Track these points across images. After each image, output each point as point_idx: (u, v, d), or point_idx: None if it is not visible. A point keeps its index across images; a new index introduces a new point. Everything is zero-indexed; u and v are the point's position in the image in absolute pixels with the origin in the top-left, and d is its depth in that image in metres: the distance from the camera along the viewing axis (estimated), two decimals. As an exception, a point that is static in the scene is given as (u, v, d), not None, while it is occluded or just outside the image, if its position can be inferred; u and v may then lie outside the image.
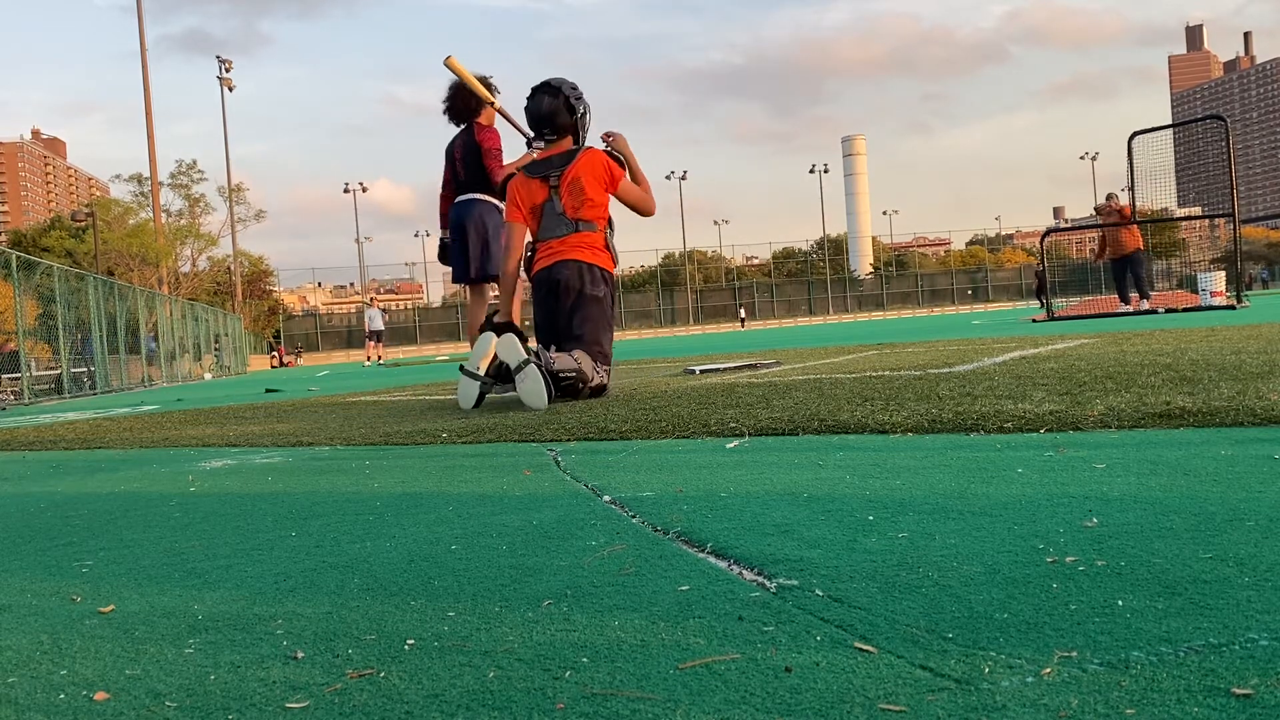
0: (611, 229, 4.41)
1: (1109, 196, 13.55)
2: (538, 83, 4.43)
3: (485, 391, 4.14)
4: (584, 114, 4.42)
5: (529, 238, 4.45)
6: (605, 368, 4.22)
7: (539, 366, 3.81)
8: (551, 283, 4.25)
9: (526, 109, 4.42)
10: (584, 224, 4.29)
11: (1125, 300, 13.52)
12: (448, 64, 5.28)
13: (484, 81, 5.37)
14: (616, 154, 4.44)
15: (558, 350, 4.04)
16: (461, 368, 4.18)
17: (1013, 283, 65.69)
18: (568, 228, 4.29)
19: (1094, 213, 13.47)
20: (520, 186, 4.40)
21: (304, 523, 1.78)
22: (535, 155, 4.93)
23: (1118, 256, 13.35)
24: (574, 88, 4.40)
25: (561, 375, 3.94)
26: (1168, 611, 0.94)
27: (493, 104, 5.33)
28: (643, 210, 4.50)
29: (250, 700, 0.90)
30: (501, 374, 4.11)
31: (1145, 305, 13.05)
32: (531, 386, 3.79)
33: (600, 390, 4.14)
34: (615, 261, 4.38)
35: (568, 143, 4.42)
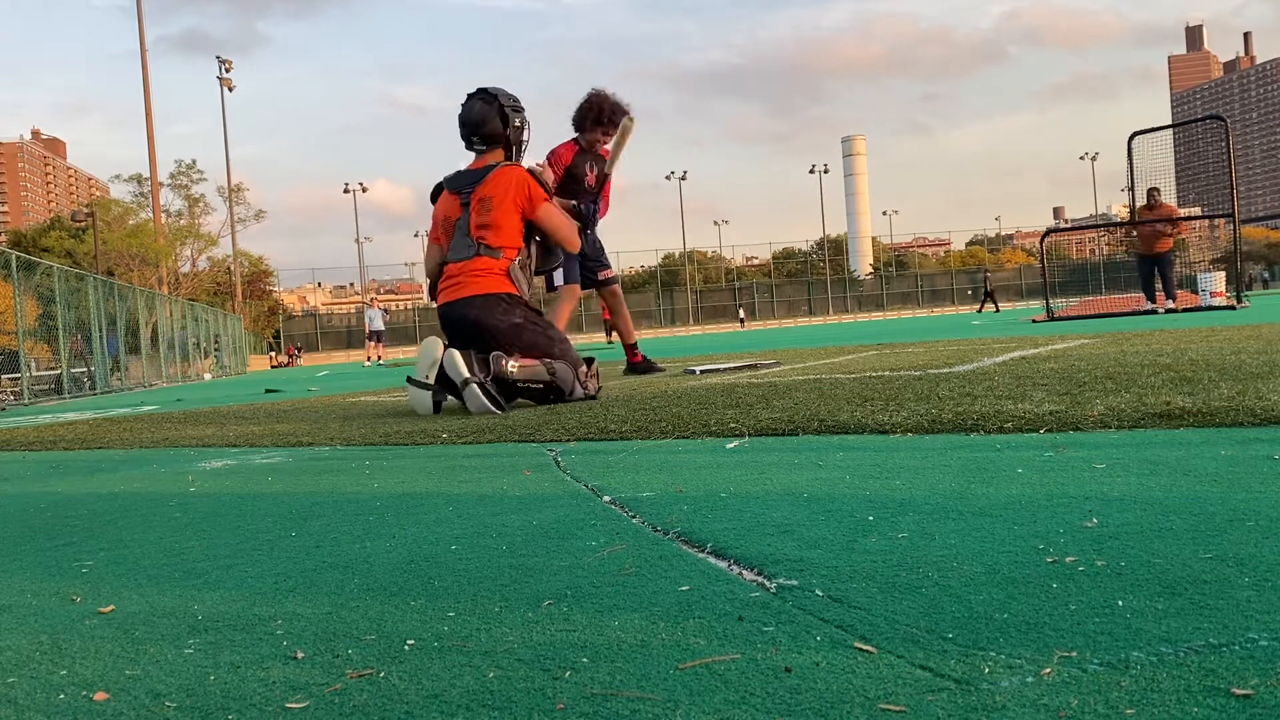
0: (526, 258, 4.10)
1: (1152, 193, 13.35)
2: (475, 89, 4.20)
3: (440, 398, 3.99)
4: (521, 128, 4.15)
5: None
6: (591, 371, 4.12)
7: (480, 386, 3.75)
8: (463, 324, 4.00)
9: (459, 115, 4.17)
10: (486, 249, 4.02)
11: (1151, 299, 13.38)
12: (626, 123, 5.69)
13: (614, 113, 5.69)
14: (548, 188, 4.14)
15: (523, 356, 3.91)
16: (409, 379, 4.05)
17: (1013, 283, 65.71)
18: (470, 250, 4.04)
19: (1148, 205, 13.23)
20: (441, 203, 4.20)
21: (304, 523, 1.78)
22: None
23: (1149, 255, 13.23)
24: (513, 99, 4.16)
25: (521, 384, 3.87)
26: (1168, 611, 0.94)
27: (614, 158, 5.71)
28: (562, 242, 4.18)
29: (250, 700, 0.90)
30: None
31: (1170, 305, 12.94)
32: (475, 405, 3.75)
33: (593, 397, 4.04)
34: (521, 292, 4.06)
35: (498, 156, 4.16)
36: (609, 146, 5.82)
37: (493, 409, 3.73)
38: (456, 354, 3.82)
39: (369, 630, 1.09)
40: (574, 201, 5.66)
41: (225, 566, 1.47)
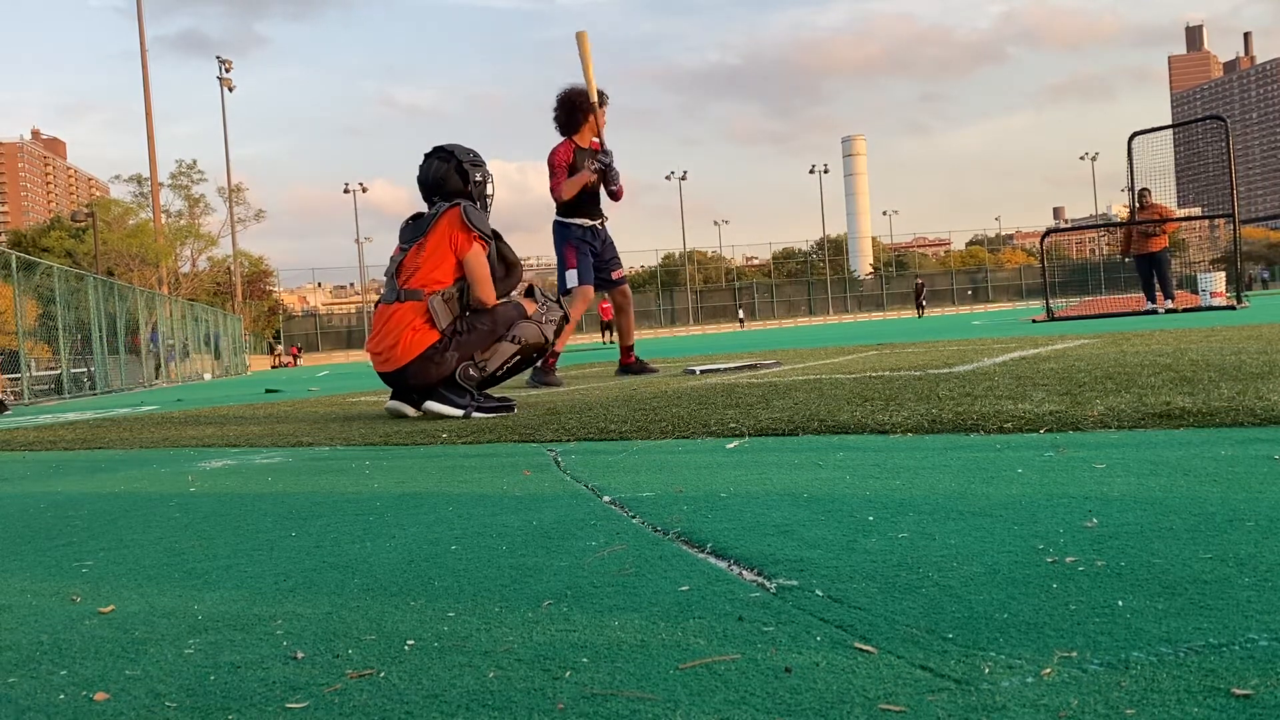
0: (455, 290, 3.83)
1: (1143, 194, 13.39)
2: (431, 148, 4.09)
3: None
4: (484, 182, 4.03)
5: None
6: (540, 302, 4.01)
7: (478, 409, 3.71)
8: (410, 389, 3.87)
9: (417, 176, 4.06)
10: (406, 293, 3.81)
11: (1151, 299, 13.38)
12: (578, 38, 5.73)
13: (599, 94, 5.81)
14: (479, 227, 3.87)
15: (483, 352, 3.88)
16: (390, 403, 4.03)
17: (1013, 283, 65.74)
18: (392, 295, 3.87)
19: (1140, 206, 13.29)
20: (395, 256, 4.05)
21: (304, 523, 1.78)
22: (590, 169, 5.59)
23: (1143, 254, 13.25)
24: (470, 154, 4.05)
25: (502, 371, 3.88)
26: (1168, 611, 0.94)
27: (592, 84, 5.78)
28: (477, 291, 3.84)
29: (250, 700, 0.90)
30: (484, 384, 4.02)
31: (1169, 305, 12.96)
32: (483, 415, 3.72)
33: (566, 319, 4.07)
34: (440, 326, 3.77)
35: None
36: (597, 139, 5.91)
37: (503, 413, 3.70)
38: (433, 404, 3.76)
39: (369, 630, 1.09)
40: (596, 163, 5.78)
41: (225, 566, 1.47)
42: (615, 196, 5.98)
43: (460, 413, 3.70)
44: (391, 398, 4.00)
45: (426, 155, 4.07)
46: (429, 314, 3.77)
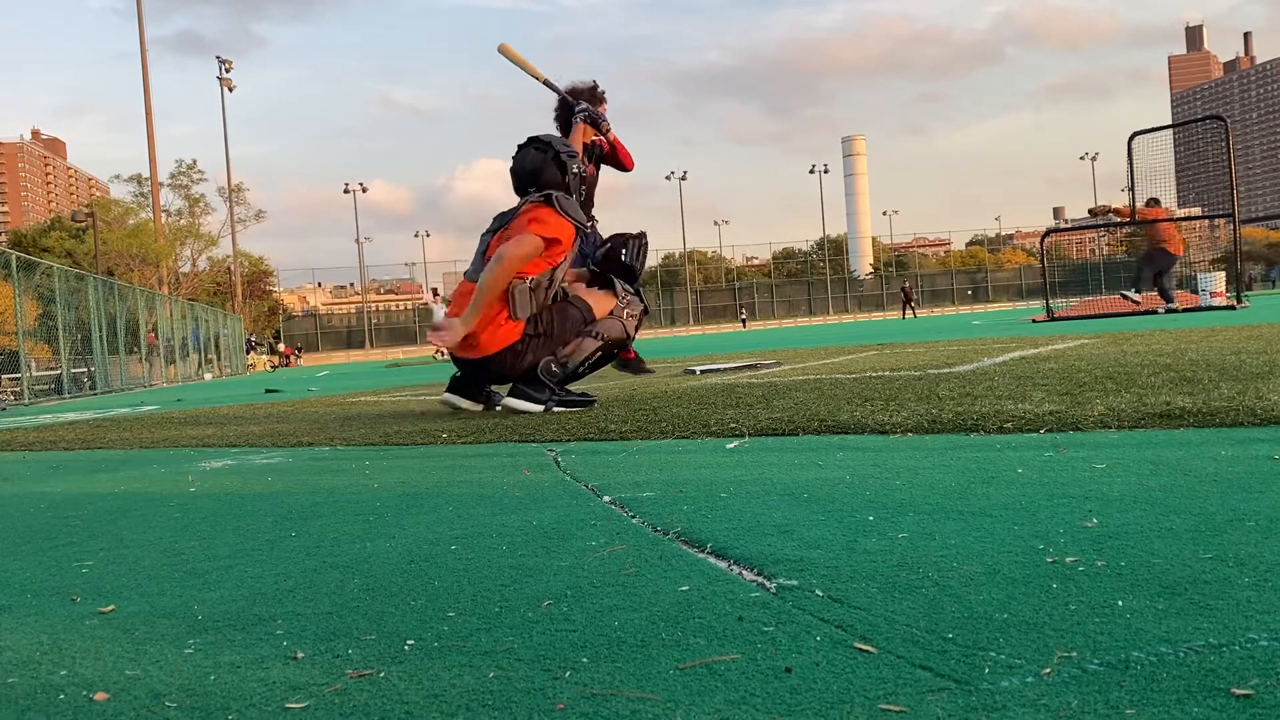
0: (548, 279, 3.73)
1: (1149, 202, 13.58)
2: (526, 138, 4.01)
3: (487, 401, 3.98)
4: (579, 174, 3.96)
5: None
6: (624, 301, 3.90)
7: (558, 402, 3.68)
8: (487, 379, 3.88)
9: (511, 167, 3.98)
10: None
11: (1170, 299, 13.42)
12: (501, 50, 5.61)
13: (591, 90, 5.75)
14: (572, 215, 3.80)
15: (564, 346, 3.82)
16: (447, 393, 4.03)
17: (1013, 283, 65.73)
18: (475, 274, 3.79)
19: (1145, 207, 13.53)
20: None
21: (304, 523, 1.78)
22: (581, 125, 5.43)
23: (1145, 251, 13.46)
24: (567, 146, 3.96)
25: (585, 367, 3.82)
26: (1168, 611, 0.94)
27: (544, 80, 5.71)
28: (496, 262, 3.69)
29: (250, 700, 0.90)
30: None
31: (1135, 298, 13.22)
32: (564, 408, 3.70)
33: (638, 325, 3.96)
34: (516, 316, 3.70)
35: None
36: (604, 136, 5.92)
37: (584, 406, 3.68)
38: (513, 400, 3.72)
39: (369, 630, 1.09)
40: (583, 113, 5.62)
41: (225, 566, 1.47)
42: (626, 165, 5.96)
43: (540, 408, 3.66)
44: (448, 389, 3.98)
45: (521, 146, 3.99)
46: (510, 298, 3.68)
